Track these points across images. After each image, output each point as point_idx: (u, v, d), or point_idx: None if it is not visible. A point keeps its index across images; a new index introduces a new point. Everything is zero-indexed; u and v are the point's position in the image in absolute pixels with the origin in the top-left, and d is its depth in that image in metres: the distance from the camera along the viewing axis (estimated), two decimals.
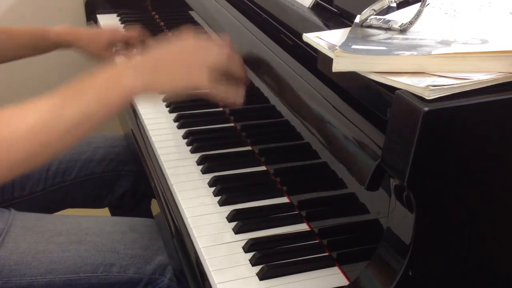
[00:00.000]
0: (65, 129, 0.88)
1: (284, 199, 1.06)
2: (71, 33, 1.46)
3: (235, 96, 1.02)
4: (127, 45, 1.51)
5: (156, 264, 1.14)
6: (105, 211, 1.60)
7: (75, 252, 1.13)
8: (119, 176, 1.49)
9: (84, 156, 1.44)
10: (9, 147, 0.85)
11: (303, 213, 1.02)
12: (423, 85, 0.63)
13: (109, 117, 0.92)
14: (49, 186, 1.41)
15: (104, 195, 1.50)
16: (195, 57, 0.98)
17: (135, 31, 1.51)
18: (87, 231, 1.18)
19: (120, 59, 1.45)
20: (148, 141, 1.25)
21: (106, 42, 1.46)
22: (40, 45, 1.46)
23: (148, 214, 1.56)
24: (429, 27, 0.77)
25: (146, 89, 0.95)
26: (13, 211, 1.21)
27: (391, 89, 0.67)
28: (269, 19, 1.07)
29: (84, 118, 0.89)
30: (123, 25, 1.86)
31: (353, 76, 0.71)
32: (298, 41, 0.93)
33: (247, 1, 1.16)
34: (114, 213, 1.58)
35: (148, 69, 0.96)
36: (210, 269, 0.91)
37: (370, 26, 0.78)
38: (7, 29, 1.44)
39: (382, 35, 0.75)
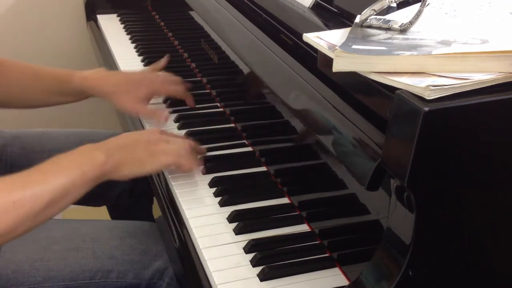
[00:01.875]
0: (48, 201, 0.92)
1: (285, 200, 1.06)
2: (102, 80, 1.32)
3: (194, 165, 1.10)
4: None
5: (155, 269, 1.14)
6: (104, 211, 1.59)
7: (72, 260, 1.13)
8: None
9: None
10: (8, 213, 0.88)
11: (304, 214, 1.02)
12: (423, 85, 0.63)
13: (86, 191, 0.98)
14: None
15: (102, 194, 1.49)
16: (156, 143, 1.06)
17: (178, 86, 1.36)
18: (84, 238, 1.17)
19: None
20: None
21: (142, 97, 1.31)
22: (65, 91, 1.32)
23: (148, 215, 1.55)
24: (429, 27, 0.77)
25: (116, 168, 1.01)
26: None
27: (391, 89, 0.67)
28: (269, 19, 1.06)
29: (65, 192, 0.94)
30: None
31: (353, 76, 0.71)
32: (298, 41, 0.93)
33: (247, 1, 1.16)
34: (112, 211, 1.58)
35: (118, 150, 1.02)
36: (211, 270, 0.91)
37: (370, 26, 0.78)
38: (33, 68, 1.33)
39: (382, 35, 0.75)
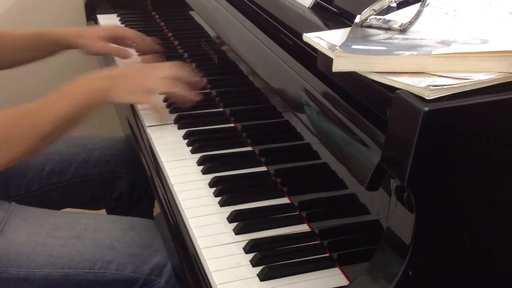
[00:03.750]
0: (61, 122, 1.11)
1: (285, 200, 1.06)
2: (68, 31, 1.47)
3: (187, 96, 1.24)
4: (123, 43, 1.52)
5: (154, 264, 1.14)
6: (103, 213, 1.60)
7: (73, 247, 1.14)
8: (115, 178, 1.49)
9: (79, 157, 1.45)
10: (15, 141, 1.08)
11: (304, 213, 1.02)
12: (423, 85, 0.63)
13: (90, 113, 1.16)
14: (44, 186, 1.41)
15: (101, 197, 1.50)
16: (147, 81, 1.21)
17: (132, 31, 1.52)
18: (86, 227, 1.18)
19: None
20: (149, 141, 1.25)
21: (103, 37, 1.45)
22: (37, 47, 1.46)
23: (147, 216, 1.55)
24: (429, 27, 0.77)
25: (109, 93, 1.16)
26: (13, 203, 1.21)
27: (391, 89, 0.67)
28: (269, 19, 1.06)
29: (74, 113, 1.12)
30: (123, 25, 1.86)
31: (353, 76, 0.71)
32: (298, 41, 0.93)
33: (247, 1, 1.16)
34: (111, 214, 1.58)
35: (111, 77, 1.19)
36: (211, 270, 0.91)
37: (370, 26, 0.78)
38: (11, 33, 1.45)
39: (382, 35, 0.75)
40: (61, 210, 1.40)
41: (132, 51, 1.54)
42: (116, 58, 1.58)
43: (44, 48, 1.47)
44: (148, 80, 1.21)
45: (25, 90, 2.17)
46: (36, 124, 1.09)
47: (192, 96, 1.25)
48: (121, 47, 1.49)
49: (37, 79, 2.15)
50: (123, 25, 1.86)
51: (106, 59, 1.64)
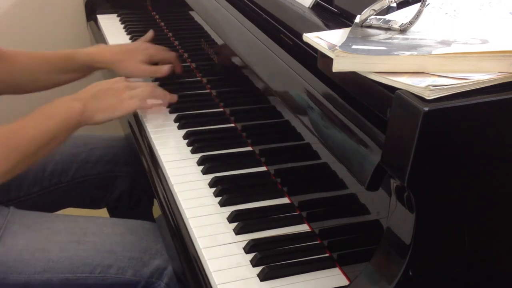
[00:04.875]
0: (40, 144, 1.12)
1: (285, 200, 1.06)
2: (102, 52, 1.45)
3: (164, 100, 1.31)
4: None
5: (154, 267, 1.14)
6: (104, 212, 1.60)
7: (73, 252, 1.13)
8: (116, 178, 1.49)
9: (80, 157, 1.45)
10: (8, 156, 1.08)
11: (304, 214, 1.02)
12: (423, 85, 0.63)
13: (69, 135, 1.18)
14: (45, 187, 1.41)
15: (102, 196, 1.50)
16: (123, 89, 1.23)
17: (169, 52, 1.49)
18: (86, 231, 1.18)
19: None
20: (149, 141, 1.25)
21: (141, 60, 1.43)
22: (73, 68, 1.43)
23: (147, 216, 1.55)
24: (429, 27, 0.77)
25: (92, 114, 1.18)
26: (12, 208, 1.21)
27: (391, 89, 0.67)
28: (269, 19, 1.06)
29: (54, 135, 1.13)
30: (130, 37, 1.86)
31: (353, 76, 0.71)
32: (298, 41, 0.93)
33: (247, 1, 1.16)
34: (112, 214, 1.58)
35: (91, 99, 1.19)
36: (211, 270, 0.91)
37: (370, 26, 0.78)
38: (39, 54, 1.43)
39: (382, 35, 0.75)
40: (60, 214, 1.40)
41: None
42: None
43: (78, 69, 1.45)
44: (123, 91, 1.23)
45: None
46: (16, 146, 1.09)
47: (168, 99, 1.31)
48: (157, 67, 1.45)
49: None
50: (123, 25, 1.86)
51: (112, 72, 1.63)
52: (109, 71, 1.55)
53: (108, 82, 1.27)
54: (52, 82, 1.45)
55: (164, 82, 1.44)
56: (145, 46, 1.50)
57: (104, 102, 1.20)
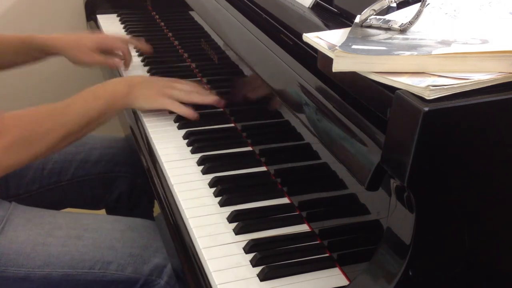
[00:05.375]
0: (87, 122, 1.17)
1: (285, 200, 1.06)
2: (55, 38, 1.49)
3: (189, 114, 1.29)
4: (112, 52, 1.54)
5: (154, 265, 1.14)
6: (103, 213, 1.60)
7: (73, 247, 1.14)
8: (115, 178, 1.49)
9: (79, 156, 1.45)
10: (40, 141, 1.11)
11: (304, 214, 1.02)
12: (423, 85, 0.63)
13: (114, 115, 1.25)
14: (44, 185, 1.41)
15: (101, 197, 1.50)
16: (167, 88, 1.29)
17: (122, 41, 1.56)
18: (87, 227, 1.18)
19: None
20: (148, 141, 1.25)
21: (90, 47, 1.48)
22: (28, 51, 1.49)
23: (147, 217, 1.55)
24: (429, 27, 0.77)
25: (130, 99, 1.25)
26: (14, 203, 1.22)
27: (391, 89, 0.67)
28: (269, 19, 1.06)
29: (100, 114, 1.19)
30: (124, 30, 1.86)
31: (353, 76, 0.71)
32: (298, 41, 0.93)
33: (247, 1, 1.16)
34: (111, 214, 1.58)
35: (132, 84, 1.26)
36: (211, 270, 0.91)
37: (370, 26, 0.78)
38: None
39: (382, 35, 0.75)
40: (61, 211, 1.40)
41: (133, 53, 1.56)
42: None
43: (32, 53, 1.50)
44: (166, 88, 1.29)
45: (24, 90, 2.17)
46: (61, 124, 1.14)
47: (209, 100, 1.31)
48: (108, 57, 1.52)
49: (37, 80, 2.16)
50: (123, 25, 1.86)
51: (111, 71, 1.64)
52: (108, 70, 1.57)
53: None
54: (8, 62, 1.50)
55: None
56: (97, 35, 1.58)
57: (146, 91, 1.27)
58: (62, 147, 1.17)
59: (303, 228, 1.00)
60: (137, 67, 1.57)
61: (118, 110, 1.27)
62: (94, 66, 1.63)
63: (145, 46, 1.59)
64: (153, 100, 1.28)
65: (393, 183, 0.72)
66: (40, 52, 1.50)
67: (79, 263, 1.13)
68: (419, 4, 0.76)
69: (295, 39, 0.95)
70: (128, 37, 1.71)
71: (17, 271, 1.10)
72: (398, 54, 0.68)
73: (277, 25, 1.03)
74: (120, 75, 1.53)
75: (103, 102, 1.20)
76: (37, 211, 1.22)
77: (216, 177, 1.11)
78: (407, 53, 0.68)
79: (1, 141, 1.06)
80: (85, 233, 1.17)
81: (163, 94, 1.28)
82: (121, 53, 1.54)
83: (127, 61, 1.54)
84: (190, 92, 1.30)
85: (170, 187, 1.10)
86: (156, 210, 1.35)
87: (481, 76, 0.66)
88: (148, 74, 1.52)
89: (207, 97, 1.32)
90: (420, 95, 0.63)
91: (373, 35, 0.75)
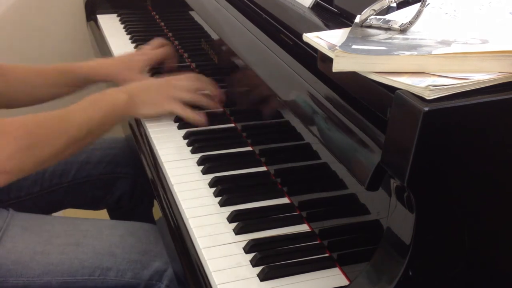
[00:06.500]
0: (87, 130, 1.14)
1: (285, 200, 1.06)
2: (100, 65, 1.45)
3: (197, 120, 1.26)
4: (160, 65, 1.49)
5: (154, 269, 1.14)
6: (104, 214, 1.60)
7: (72, 255, 1.13)
8: (116, 178, 1.49)
9: (80, 158, 1.44)
10: (44, 146, 1.08)
11: (304, 214, 1.02)
12: (423, 85, 0.63)
13: (115, 124, 1.22)
14: (46, 188, 1.41)
15: (102, 198, 1.50)
16: (169, 89, 1.25)
17: (165, 49, 1.50)
18: (85, 233, 1.18)
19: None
20: (149, 141, 1.25)
21: (141, 68, 1.44)
22: (67, 82, 1.43)
23: (148, 218, 1.55)
24: (429, 27, 0.77)
25: (136, 107, 1.22)
26: (11, 211, 1.21)
27: (391, 89, 0.67)
28: (269, 19, 1.06)
29: (101, 122, 1.17)
30: (132, 42, 1.86)
31: (353, 76, 0.71)
32: (298, 41, 0.93)
33: (247, 1, 1.16)
34: (112, 216, 1.58)
35: (133, 92, 1.23)
36: (211, 270, 0.91)
37: (370, 26, 0.78)
38: (37, 68, 1.42)
39: (382, 35, 0.75)
40: (59, 216, 1.39)
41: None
42: None
43: (71, 83, 1.44)
44: (171, 90, 1.25)
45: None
46: (64, 131, 1.12)
47: (216, 105, 1.30)
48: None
49: None
50: (123, 25, 1.86)
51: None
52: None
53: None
54: (48, 95, 1.43)
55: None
56: (140, 52, 1.51)
57: (149, 97, 1.24)
58: (68, 155, 1.14)
59: (303, 228, 1.00)
60: None
61: (119, 119, 1.24)
62: None
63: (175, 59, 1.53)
64: (159, 106, 1.24)
65: (393, 183, 0.72)
66: (85, 81, 1.44)
67: (78, 271, 1.12)
68: (419, 4, 0.76)
69: (295, 39, 0.95)
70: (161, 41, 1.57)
71: (17, 281, 1.10)
72: (398, 54, 0.68)
73: (277, 25, 1.03)
74: None
75: (103, 111, 1.17)
76: (35, 218, 1.21)
77: (216, 177, 1.11)
78: (407, 53, 0.68)
79: (6, 147, 1.03)
80: (84, 240, 1.16)
81: (169, 98, 1.24)
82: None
83: (175, 59, 1.51)
84: (198, 96, 1.26)
85: (170, 187, 1.10)
86: (156, 210, 1.35)
87: (481, 76, 0.66)
88: (148, 74, 1.52)
89: (212, 101, 1.29)
90: (420, 95, 0.63)
91: (373, 35, 0.75)
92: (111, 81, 1.44)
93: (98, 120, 1.16)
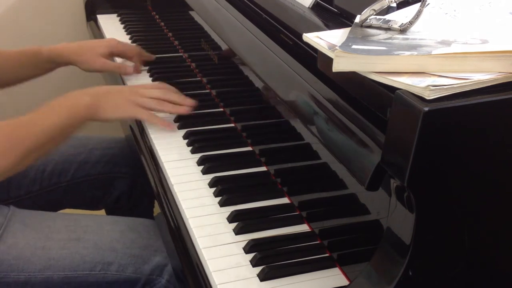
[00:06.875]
0: (47, 138, 1.12)
1: (285, 200, 1.06)
2: (63, 47, 1.47)
3: (163, 125, 1.27)
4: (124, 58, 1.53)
5: (154, 264, 1.14)
6: (102, 214, 1.59)
7: (73, 250, 1.14)
8: (115, 178, 1.49)
9: (79, 157, 1.45)
10: (14, 149, 1.08)
11: (304, 214, 1.02)
12: (423, 85, 0.63)
13: (77, 129, 1.19)
14: (45, 187, 1.41)
15: (101, 197, 1.50)
16: (132, 95, 1.24)
17: (132, 46, 1.56)
18: (86, 228, 1.18)
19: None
20: (148, 141, 1.25)
21: (102, 53, 1.46)
22: (34, 64, 1.46)
23: (147, 217, 1.55)
24: (429, 27, 0.77)
25: (98, 110, 1.19)
26: (12, 207, 1.21)
27: (391, 89, 0.67)
28: (269, 19, 1.06)
29: (60, 129, 1.14)
30: (124, 30, 1.86)
31: (353, 76, 0.71)
32: (298, 41, 0.93)
33: (247, 1, 1.16)
34: (111, 215, 1.58)
35: (97, 95, 1.21)
36: (211, 270, 0.91)
37: (370, 26, 0.78)
38: (1, 51, 1.44)
39: (382, 35, 0.75)
40: (60, 212, 1.40)
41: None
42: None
43: (41, 65, 1.47)
44: (134, 95, 1.23)
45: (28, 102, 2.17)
46: (23, 138, 1.10)
47: (183, 110, 1.27)
48: (120, 63, 1.51)
49: (38, 93, 2.15)
50: (123, 25, 1.86)
51: (113, 76, 1.64)
52: (109, 75, 1.56)
53: (123, 86, 1.35)
54: (16, 78, 1.47)
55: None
56: (106, 40, 1.55)
57: (112, 100, 1.22)
58: (26, 163, 1.12)
59: (303, 228, 1.00)
60: None
61: (83, 122, 1.19)
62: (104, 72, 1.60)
63: (145, 56, 1.57)
64: (122, 110, 1.23)
65: (393, 183, 0.72)
66: (51, 63, 1.47)
67: (79, 265, 1.13)
68: (419, 4, 0.76)
69: (295, 39, 0.95)
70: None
71: (18, 276, 1.10)
72: (398, 54, 0.68)
73: (277, 25, 1.03)
74: (123, 82, 1.50)
75: (64, 116, 1.15)
76: (35, 214, 1.22)
77: (216, 177, 1.11)
78: (407, 53, 0.68)
79: None
80: (84, 235, 1.17)
81: (133, 102, 1.22)
82: (132, 58, 1.52)
83: (137, 67, 1.52)
84: (162, 102, 1.25)
85: (170, 187, 1.10)
86: (156, 210, 1.36)
87: (481, 76, 0.66)
88: (148, 74, 1.52)
89: (179, 108, 1.27)
90: (420, 95, 0.63)
91: (373, 35, 0.75)
92: (74, 64, 1.47)
93: (58, 127, 1.14)
